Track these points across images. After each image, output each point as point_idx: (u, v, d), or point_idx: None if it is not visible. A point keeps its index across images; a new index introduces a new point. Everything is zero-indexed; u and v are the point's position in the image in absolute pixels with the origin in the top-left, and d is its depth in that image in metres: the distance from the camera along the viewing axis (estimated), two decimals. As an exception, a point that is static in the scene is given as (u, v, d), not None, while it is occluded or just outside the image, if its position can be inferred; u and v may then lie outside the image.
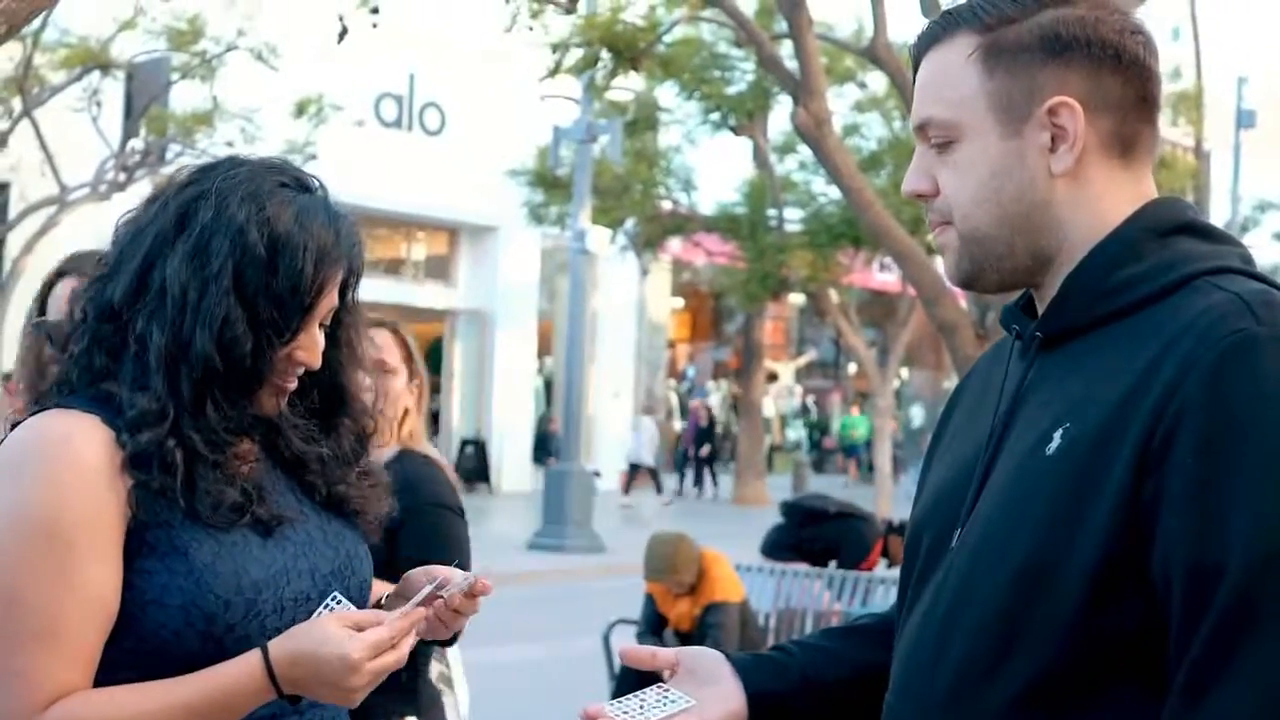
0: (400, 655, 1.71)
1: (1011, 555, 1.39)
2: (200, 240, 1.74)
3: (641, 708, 1.61)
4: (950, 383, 31.92)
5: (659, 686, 1.66)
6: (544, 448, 24.28)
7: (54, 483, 1.67)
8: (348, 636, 1.67)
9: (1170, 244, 1.45)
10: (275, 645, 1.68)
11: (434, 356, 24.51)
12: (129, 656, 1.70)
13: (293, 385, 1.83)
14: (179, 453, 1.70)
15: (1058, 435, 1.39)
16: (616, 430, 25.83)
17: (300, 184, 1.83)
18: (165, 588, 1.69)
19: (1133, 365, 1.36)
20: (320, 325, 1.82)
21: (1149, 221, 1.46)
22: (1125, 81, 1.46)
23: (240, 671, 1.68)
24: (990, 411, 1.52)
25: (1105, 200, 1.47)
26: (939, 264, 9.25)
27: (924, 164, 1.53)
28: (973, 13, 1.50)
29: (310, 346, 1.81)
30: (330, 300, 1.81)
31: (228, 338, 1.72)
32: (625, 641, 7.30)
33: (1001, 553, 1.40)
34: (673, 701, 1.63)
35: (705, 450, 26.48)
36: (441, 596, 1.84)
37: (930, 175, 1.53)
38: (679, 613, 6.80)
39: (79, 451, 1.68)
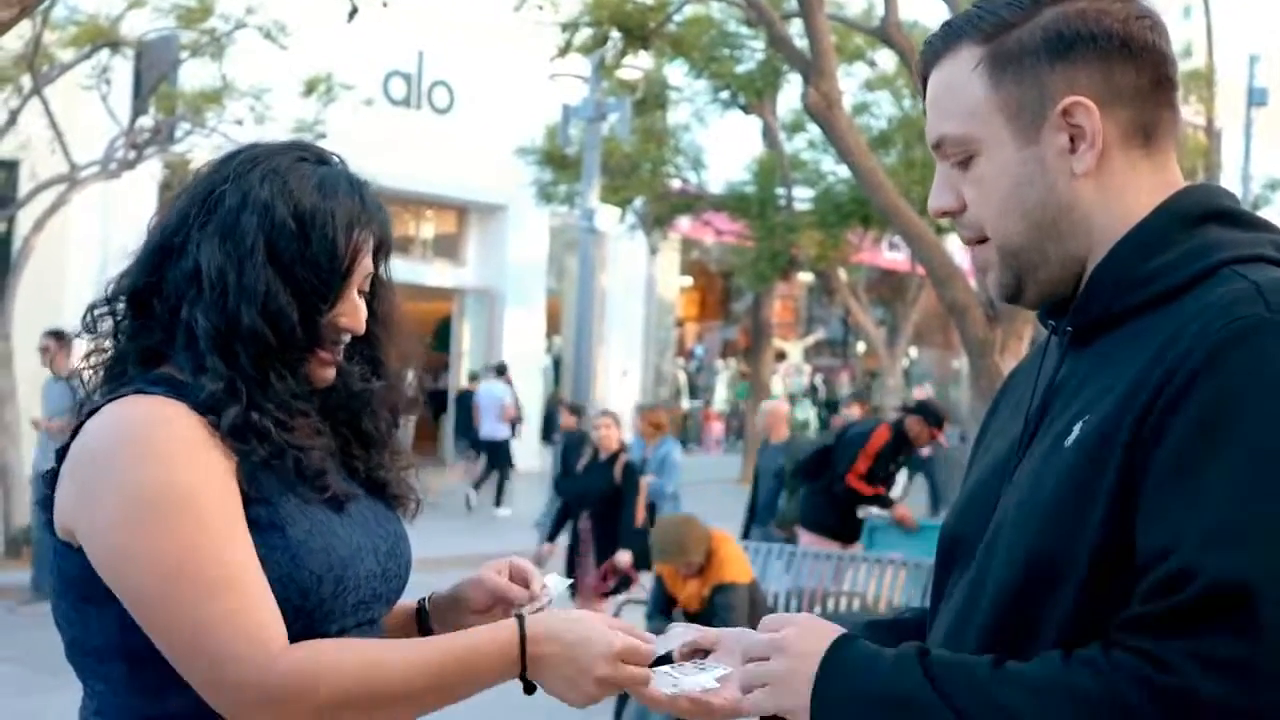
0: (645, 675, 1.68)
1: (1021, 548, 1.38)
2: (228, 222, 1.77)
3: (680, 675, 1.65)
4: (959, 362, 31.89)
5: (695, 659, 1.68)
6: (553, 426, 24.25)
7: (188, 444, 1.66)
8: (609, 628, 1.70)
9: (1199, 232, 1.42)
10: (532, 620, 1.70)
11: (442, 335, 24.52)
12: None
13: (339, 355, 1.85)
14: (268, 421, 1.72)
15: (1076, 428, 1.38)
16: (624, 409, 25.85)
17: (318, 158, 1.86)
18: (264, 561, 1.68)
19: (1145, 354, 1.35)
20: (360, 293, 1.84)
21: (1177, 210, 1.44)
22: (1138, 69, 1.43)
23: (490, 638, 1.70)
24: (1024, 410, 1.51)
25: (1128, 193, 1.45)
26: (949, 244, 9.22)
27: (947, 180, 1.51)
28: (971, 23, 1.47)
29: (352, 312, 1.83)
30: (365, 265, 1.84)
31: (273, 309, 1.75)
32: (634, 622, 7.30)
33: (1012, 546, 1.39)
34: (710, 671, 1.65)
35: None
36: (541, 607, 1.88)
37: (954, 191, 1.51)
38: (688, 594, 6.81)
39: (189, 425, 1.68)
